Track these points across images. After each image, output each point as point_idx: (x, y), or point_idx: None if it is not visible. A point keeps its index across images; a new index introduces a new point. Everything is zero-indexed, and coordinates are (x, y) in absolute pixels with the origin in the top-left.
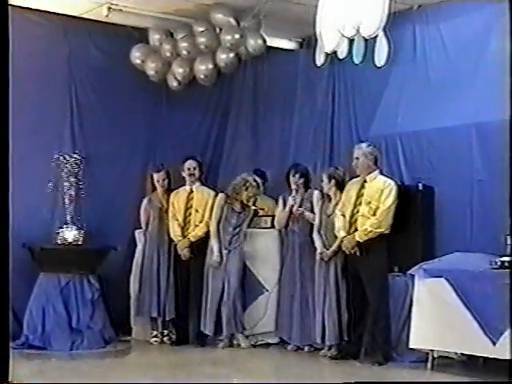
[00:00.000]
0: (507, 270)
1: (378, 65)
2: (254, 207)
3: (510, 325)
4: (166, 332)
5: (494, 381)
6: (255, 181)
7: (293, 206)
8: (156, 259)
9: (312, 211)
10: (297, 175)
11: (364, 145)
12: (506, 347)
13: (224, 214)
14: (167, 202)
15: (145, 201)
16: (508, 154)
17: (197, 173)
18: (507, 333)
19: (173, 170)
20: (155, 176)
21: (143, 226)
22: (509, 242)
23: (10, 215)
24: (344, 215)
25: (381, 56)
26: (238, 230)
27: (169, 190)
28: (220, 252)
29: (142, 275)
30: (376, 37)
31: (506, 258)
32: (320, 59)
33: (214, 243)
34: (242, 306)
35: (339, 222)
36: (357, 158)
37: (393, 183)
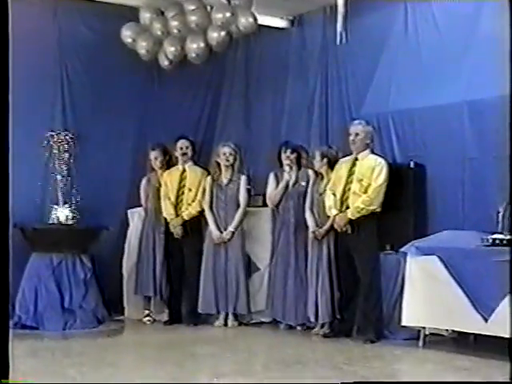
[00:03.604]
0: (499, 248)
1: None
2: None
3: (510, 304)
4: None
5: (495, 381)
6: (224, 145)
7: (288, 181)
8: (152, 238)
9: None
10: (288, 151)
11: (364, 122)
12: (497, 324)
13: (214, 194)
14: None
15: (144, 180)
16: (508, 134)
17: (189, 152)
18: (498, 309)
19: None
20: (151, 154)
21: (143, 204)
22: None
23: (9, 204)
24: (334, 194)
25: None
26: (230, 205)
27: (168, 169)
28: (218, 229)
29: (140, 254)
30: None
31: (498, 236)
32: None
33: (210, 223)
34: (245, 285)
35: (330, 201)
36: (357, 134)
37: (383, 161)
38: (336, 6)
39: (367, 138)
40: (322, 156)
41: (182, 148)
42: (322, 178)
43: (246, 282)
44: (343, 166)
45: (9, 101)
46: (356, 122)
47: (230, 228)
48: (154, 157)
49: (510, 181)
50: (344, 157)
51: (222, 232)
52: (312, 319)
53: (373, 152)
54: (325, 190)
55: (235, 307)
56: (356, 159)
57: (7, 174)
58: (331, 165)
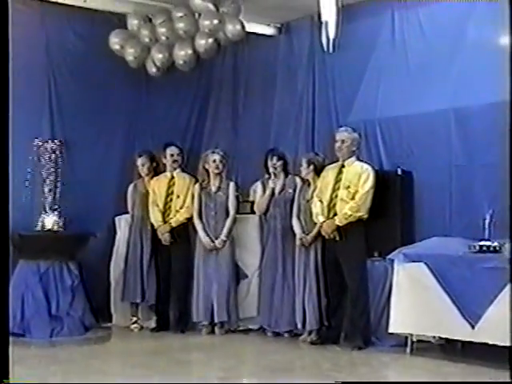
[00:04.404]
0: (486, 254)
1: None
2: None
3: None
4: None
5: (495, 381)
6: (213, 152)
7: (274, 188)
8: (139, 245)
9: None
10: (274, 158)
11: (350, 129)
12: (484, 331)
13: (203, 202)
14: None
15: (130, 187)
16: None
17: (179, 159)
18: (485, 316)
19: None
20: (138, 161)
21: (130, 210)
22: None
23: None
24: (321, 201)
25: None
26: (219, 213)
27: (156, 175)
28: (208, 235)
29: (127, 260)
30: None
31: (485, 243)
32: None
33: (199, 231)
34: (235, 293)
35: (317, 208)
36: (343, 141)
37: (370, 168)
38: (319, 14)
39: (353, 145)
40: (309, 163)
41: (172, 155)
42: (309, 184)
43: (234, 290)
44: (329, 172)
45: (9, 110)
46: (342, 128)
47: (222, 237)
48: (142, 163)
49: (511, 186)
50: (330, 164)
51: (211, 239)
52: (299, 326)
53: (359, 159)
54: (312, 197)
55: (225, 315)
56: (342, 166)
57: (7, 185)
58: (318, 172)
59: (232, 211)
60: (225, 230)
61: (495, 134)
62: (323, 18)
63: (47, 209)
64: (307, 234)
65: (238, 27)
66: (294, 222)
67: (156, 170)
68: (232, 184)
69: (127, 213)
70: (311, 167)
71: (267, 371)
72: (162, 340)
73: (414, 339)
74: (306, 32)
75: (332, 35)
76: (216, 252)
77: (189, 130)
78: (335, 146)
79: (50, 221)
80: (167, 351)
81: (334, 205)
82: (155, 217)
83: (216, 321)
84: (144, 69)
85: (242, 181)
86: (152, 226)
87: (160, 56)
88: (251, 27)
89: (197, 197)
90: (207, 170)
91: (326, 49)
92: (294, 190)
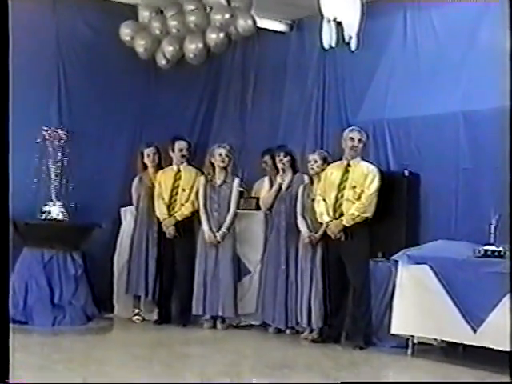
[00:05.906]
0: (490, 259)
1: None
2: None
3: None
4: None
5: (496, 381)
6: (219, 146)
7: (281, 184)
8: (145, 238)
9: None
10: (281, 154)
11: (361, 130)
12: (486, 335)
13: (208, 195)
14: None
15: (136, 179)
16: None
17: (187, 154)
18: (488, 320)
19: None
20: (146, 151)
21: (134, 203)
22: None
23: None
24: (325, 200)
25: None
26: (222, 206)
27: (159, 168)
28: (211, 230)
29: (132, 253)
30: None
31: (490, 247)
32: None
33: (203, 223)
34: (234, 288)
35: (320, 207)
36: (360, 140)
37: (376, 169)
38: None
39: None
40: (324, 160)
41: (181, 149)
42: (312, 183)
43: (234, 285)
44: (334, 172)
45: (9, 98)
46: (356, 128)
47: (223, 229)
48: (153, 152)
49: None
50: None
51: (214, 232)
52: (304, 324)
53: (363, 159)
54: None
55: (223, 310)
56: (348, 165)
57: (7, 173)
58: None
59: (233, 206)
60: (225, 224)
61: (504, 138)
62: (326, 15)
63: (53, 198)
64: (315, 232)
65: (250, 22)
66: (299, 221)
67: (160, 162)
68: (237, 179)
69: (133, 204)
70: (325, 164)
71: (268, 367)
72: (163, 333)
73: (416, 341)
74: (318, 30)
75: (354, 32)
76: (217, 246)
77: (196, 124)
78: (349, 144)
79: (55, 210)
80: (168, 344)
81: (340, 205)
82: (160, 210)
83: (214, 314)
84: (154, 61)
85: (247, 176)
86: (158, 219)
87: (170, 48)
88: (262, 23)
89: (202, 189)
90: (213, 164)
91: (326, 47)
92: (299, 187)
